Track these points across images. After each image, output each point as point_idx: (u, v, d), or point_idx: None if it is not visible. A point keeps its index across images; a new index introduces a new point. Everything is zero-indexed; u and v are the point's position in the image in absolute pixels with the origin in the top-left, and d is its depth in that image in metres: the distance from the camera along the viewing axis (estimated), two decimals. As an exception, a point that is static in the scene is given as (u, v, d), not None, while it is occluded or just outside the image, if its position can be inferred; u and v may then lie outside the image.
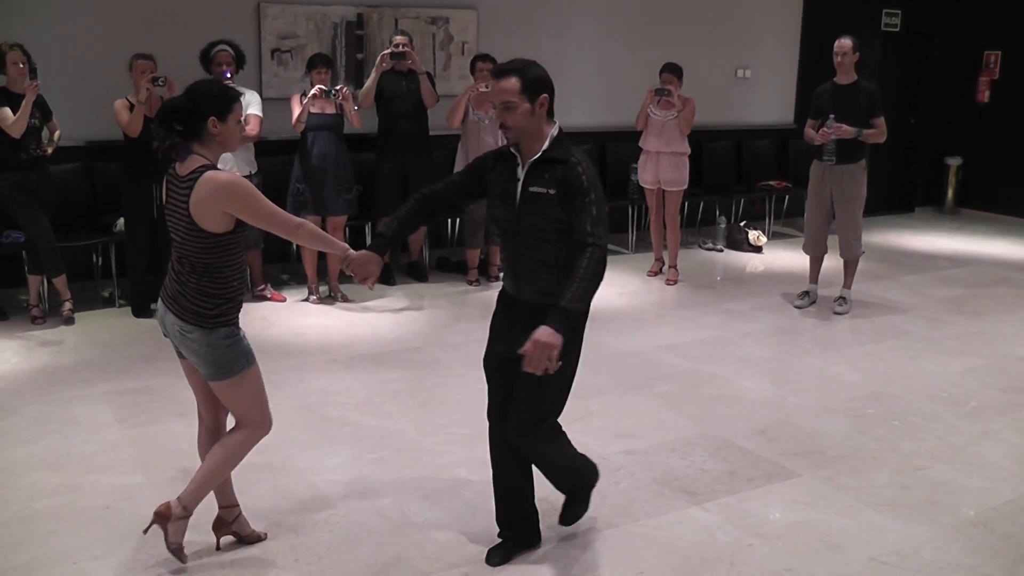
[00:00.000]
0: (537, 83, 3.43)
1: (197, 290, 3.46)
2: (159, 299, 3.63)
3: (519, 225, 3.52)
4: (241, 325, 3.60)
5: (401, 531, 4.01)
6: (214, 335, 3.47)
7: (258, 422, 3.72)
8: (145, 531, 3.67)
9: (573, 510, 3.99)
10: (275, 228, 3.58)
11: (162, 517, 3.59)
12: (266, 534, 3.94)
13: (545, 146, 3.47)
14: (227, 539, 3.87)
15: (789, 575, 3.76)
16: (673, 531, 4.05)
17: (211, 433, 3.82)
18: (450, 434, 5.02)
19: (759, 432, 5.05)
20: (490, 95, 3.49)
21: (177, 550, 3.62)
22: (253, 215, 3.48)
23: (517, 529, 3.90)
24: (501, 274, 8.26)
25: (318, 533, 3.96)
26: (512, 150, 3.56)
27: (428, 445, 4.87)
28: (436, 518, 4.13)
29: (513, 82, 3.41)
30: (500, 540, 3.89)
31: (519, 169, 3.51)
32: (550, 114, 3.51)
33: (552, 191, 3.42)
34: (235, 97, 3.51)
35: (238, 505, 3.87)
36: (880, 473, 4.72)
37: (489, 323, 3.89)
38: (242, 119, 3.55)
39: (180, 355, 3.67)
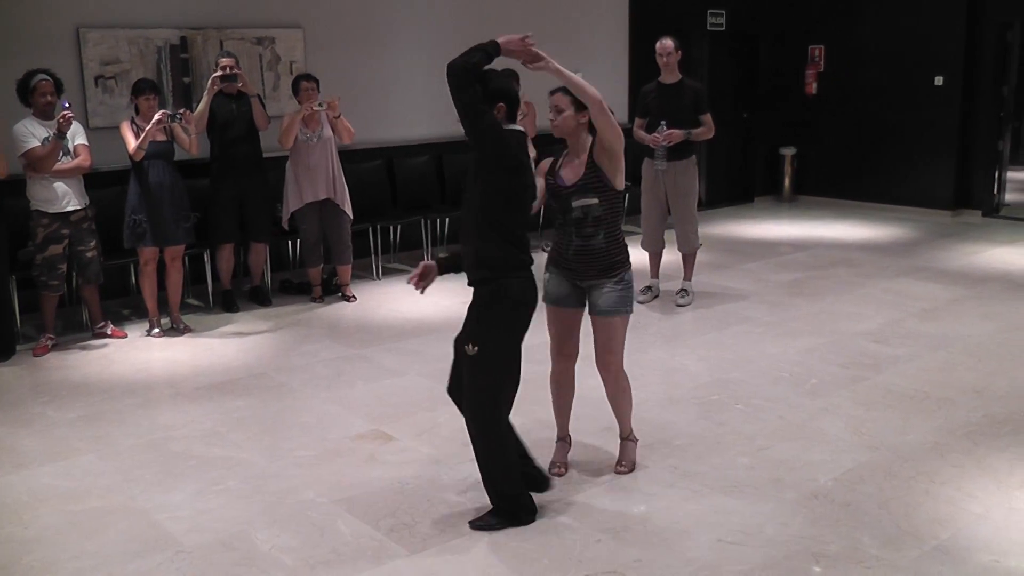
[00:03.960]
0: (493, 93, 3.95)
1: None
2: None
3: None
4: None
5: (248, 560, 3.91)
6: None
7: None
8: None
9: (487, 520, 4.14)
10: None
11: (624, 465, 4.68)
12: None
13: None
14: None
15: (638, 566, 3.81)
16: (521, 534, 4.06)
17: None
18: (297, 457, 4.93)
19: (605, 428, 5.09)
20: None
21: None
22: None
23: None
24: (344, 289, 8.17)
25: (164, 573, 3.83)
26: None
27: (275, 471, 4.78)
28: (283, 543, 4.04)
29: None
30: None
31: None
32: (510, 119, 4.01)
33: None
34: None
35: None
36: (725, 457, 4.84)
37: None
38: None
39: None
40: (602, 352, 4.52)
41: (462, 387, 4.10)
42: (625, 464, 4.68)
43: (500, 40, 3.98)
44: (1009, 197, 12.19)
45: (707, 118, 7.49)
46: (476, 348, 3.92)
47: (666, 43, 7.48)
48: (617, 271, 4.37)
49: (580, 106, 4.21)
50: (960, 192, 11.77)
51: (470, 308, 4.05)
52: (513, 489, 4.13)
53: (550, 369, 4.66)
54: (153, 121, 6.84)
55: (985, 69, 11.41)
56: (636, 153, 8.12)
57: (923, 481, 4.52)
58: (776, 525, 4.12)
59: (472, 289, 4.07)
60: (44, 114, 6.63)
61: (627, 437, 4.71)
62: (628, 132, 9.67)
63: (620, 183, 4.28)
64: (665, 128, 7.29)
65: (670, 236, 7.85)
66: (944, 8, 11.44)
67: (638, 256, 8.18)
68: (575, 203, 4.30)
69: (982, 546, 3.93)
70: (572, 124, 4.26)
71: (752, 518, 4.19)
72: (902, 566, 3.78)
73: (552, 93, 4.29)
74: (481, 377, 3.99)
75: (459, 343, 4.10)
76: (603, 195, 4.28)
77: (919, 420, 5.27)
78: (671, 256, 8.06)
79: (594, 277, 4.39)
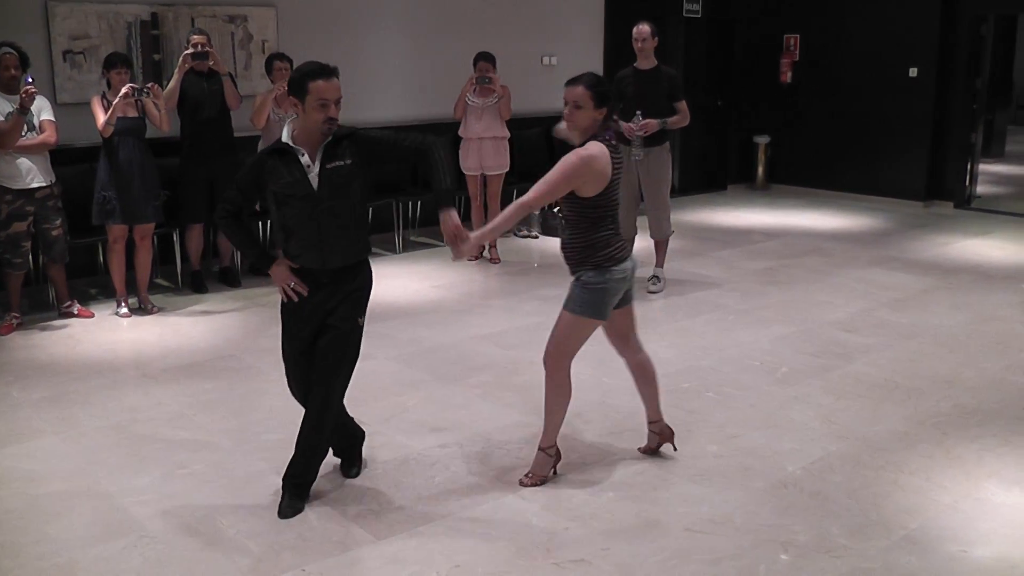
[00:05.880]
0: None
1: None
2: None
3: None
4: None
5: (213, 546, 3.87)
6: None
7: None
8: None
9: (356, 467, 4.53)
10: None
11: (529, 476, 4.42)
12: None
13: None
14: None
15: (605, 555, 3.79)
16: (489, 521, 4.04)
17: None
18: (264, 441, 4.88)
19: (575, 415, 5.05)
20: (328, 91, 3.93)
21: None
22: None
23: (351, 447, 4.54)
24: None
25: (128, 558, 3.78)
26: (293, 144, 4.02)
27: (241, 454, 4.73)
28: (249, 528, 4.00)
29: (338, 80, 3.98)
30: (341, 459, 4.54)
31: (305, 156, 3.99)
32: None
33: (349, 161, 3.99)
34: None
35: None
36: (694, 444, 4.82)
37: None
38: None
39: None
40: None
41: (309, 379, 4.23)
42: (530, 476, 4.39)
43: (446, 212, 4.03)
44: (981, 189, 12.27)
45: (682, 105, 7.47)
46: (363, 320, 4.19)
47: (643, 28, 7.44)
48: (580, 269, 4.23)
49: (601, 102, 4.10)
50: (932, 183, 11.80)
51: (353, 288, 4.13)
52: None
53: None
54: (119, 95, 6.74)
55: (959, 62, 11.44)
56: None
57: (892, 471, 4.53)
58: (745, 514, 4.12)
59: (335, 276, 4.12)
60: (8, 88, 6.52)
61: (544, 448, 4.40)
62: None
63: (588, 193, 4.12)
64: (641, 118, 7.26)
65: (642, 223, 7.82)
66: (919, 0, 11.46)
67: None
68: None
69: (950, 536, 3.94)
70: (589, 121, 4.13)
71: (721, 507, 4.18)
72: (870, 555, 3.78)
73: (571, 85, 4.13)
74: (357, 342, 4.19)
75: (300, 341, 4.19)
76: (564, 197, 4.19)
77: (889, 410, 5.28)
78: (643, 243, 8.02)
79: (571, 271, 4.31)
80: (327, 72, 3.93)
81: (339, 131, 4.00)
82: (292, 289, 4.08)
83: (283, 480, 4.20)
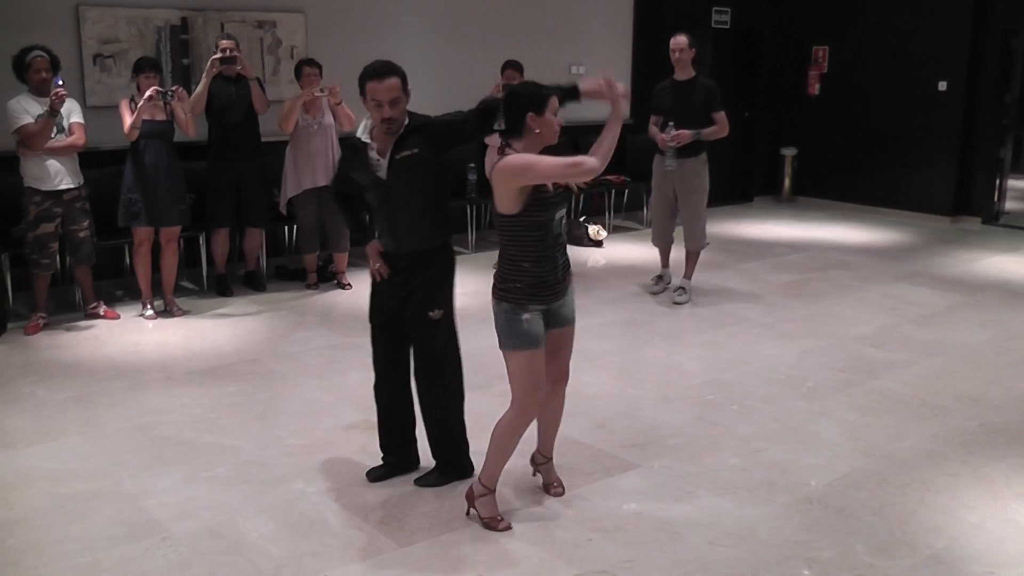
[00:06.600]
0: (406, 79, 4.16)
1: (500, 262, 3.98)
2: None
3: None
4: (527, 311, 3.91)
5: (235, 549, 3.87)
6: (499, 306, 3.94)
7: (519, 404, 3.98)
8: (467, 514, 4.13)
9: (433, 478, 4.47)
10: (565, 176, 3.93)
11: (469, 498, 4.11)
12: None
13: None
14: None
15: (628, 567, 3.77)
16: (512, 530, 4.02)
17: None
18: (287, 445, 4.89)
19: (599, 426, 5.06)
20: (379, 92, 4.04)
21: (490, 522, 4.04)
22: (539, 176, 3.85)
23: (398, 455, 4.53)
24: (340, 276, 8.13)
25: (150, 560, 3.78)
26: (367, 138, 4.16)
27: (264, 459, 4.73)
28: (271, 532, 4.00)
29: (396, 81, 4.06)
30: (382, 463, 4.54)
31: (374, 151, 4.13)
32: None
33: (416, 150, 4.08)
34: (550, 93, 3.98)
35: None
36: (718, 458, 4.79)
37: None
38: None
39: None
40: (563, 366, 4.22)
41: (397, 369, 4.44)
42: (561, 486, 4.40)
43: (582, 86, 4.05)
44: (1009, 205, 12.15)
45: (720, 116, 7.44)
46: (441, 312, 4.26)
47: (679, 39, 7.42)
48: (570, 277, 4.10)
49: None
50: (960, 198, 11.73)
51: (427, 277, 4.25)
52: (465, 439, 4.51)
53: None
54: (144, 98, 6.78)
55: (989, 76, 11.37)
56: (648, 149, 8.08)
57: (918, 489, 4.48)
58: (769, 529, 4.09)
59: (411, 262, 4.25)
60: (39, 91, 6.56)
61: (552, 457, 4.44)
62: (631, 128, 9.71)
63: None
64: (673, 129, 7.25)
65: (679, 232, 7.82)
66: (949, 13, 11.39)
67: (640, 252, 8.21)
68: (558, 214, 3.99)
69: (976, 557, 3.89)
70: None
71: (745, 521, 4.15)
72: (895, 575, 3.74)
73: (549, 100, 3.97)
74: (447, 336, 4.32)
75: (379, 315, 4.38)
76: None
77: (914, 427, 5.23)
78: (674, 252, 8.00)
79: (566, 289, 4.09)
80: (379, 73, 4.04)
81: (412, 123, 4.13)
82: (377, 270, 4.30)
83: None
